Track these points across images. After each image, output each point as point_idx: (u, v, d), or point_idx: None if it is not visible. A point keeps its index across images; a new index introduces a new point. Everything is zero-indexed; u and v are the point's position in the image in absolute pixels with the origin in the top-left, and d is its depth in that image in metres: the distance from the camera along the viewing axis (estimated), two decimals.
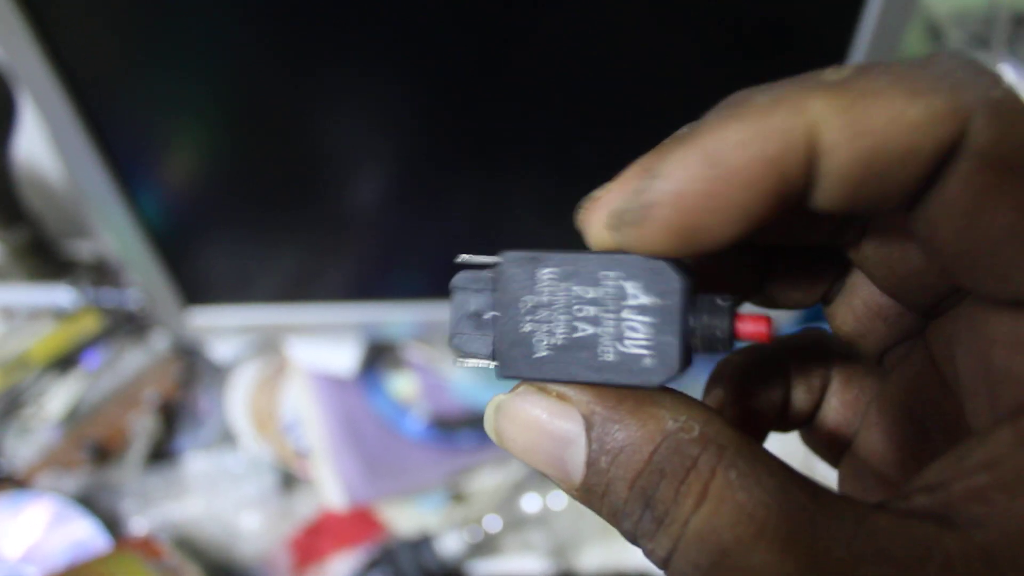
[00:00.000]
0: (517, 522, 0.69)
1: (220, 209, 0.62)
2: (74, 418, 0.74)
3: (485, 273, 0.20)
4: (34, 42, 0.49)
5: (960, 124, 0.14)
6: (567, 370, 0.19)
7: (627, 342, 0.18)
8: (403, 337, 0.76)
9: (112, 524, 0.69)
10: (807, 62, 0.53)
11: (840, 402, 0.23)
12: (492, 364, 0.20)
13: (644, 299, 0.18)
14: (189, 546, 0.69)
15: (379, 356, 0.77)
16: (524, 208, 0.62)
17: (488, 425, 0.19)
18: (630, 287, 0.18)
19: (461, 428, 0.72)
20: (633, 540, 0.17)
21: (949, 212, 0.15)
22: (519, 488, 0.71)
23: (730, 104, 0.17)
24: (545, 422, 0.18)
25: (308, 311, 0.69)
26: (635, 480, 0.17)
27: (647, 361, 0.18)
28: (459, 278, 0.21)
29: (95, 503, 0.70)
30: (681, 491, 0.16)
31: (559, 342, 0.19)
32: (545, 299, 0.19)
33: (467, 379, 0.73)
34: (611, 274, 0.18)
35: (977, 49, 0.66)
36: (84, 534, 0.67)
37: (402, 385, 0.76)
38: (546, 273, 0.19)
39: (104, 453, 0.73)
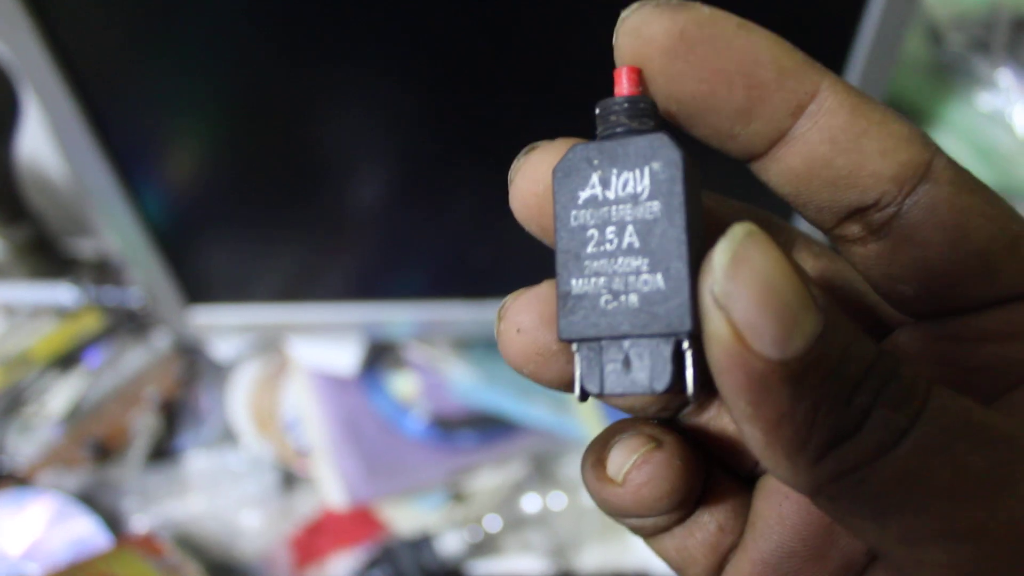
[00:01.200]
0: (517, 522, 0.69)
1: (222, 208, 0.62)
2: (76, 416, 0.75)
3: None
4: (38, 40, 0.49)
5: (928, 154, 0.18)
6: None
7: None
8: (404, 337, 0.76)
9: (113, 522, 0.69)
10: None
11: None
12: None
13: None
14: (190, 544, 0.69)
15: (380, 356, 0.77)
16: None
17: (729, 246, 0.15)
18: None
19: (461, 428, 0.73)
20: (865, 414, 0.16)
21: (940, 227, 0.18)
22: (519, 488, 0.71)
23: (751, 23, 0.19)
24: (792, 270, 0.15)
25: (309, 310, 0.69)
26: (874, 360, 0.16)
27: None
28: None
29: (96, 501, 0.71)
30: (917, 373, 0.16)
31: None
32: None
33: (467, 379, 0.73)
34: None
35: (977, 53, 0.66)
36: (85, 532, 0.68)
37: (403, 385, 0.76)
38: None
39: (105, 451, 0.74)
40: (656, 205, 0.18)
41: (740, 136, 0.19)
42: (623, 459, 0.20)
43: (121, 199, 0.59)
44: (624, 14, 0.19)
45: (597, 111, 0.20)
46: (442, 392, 0.74)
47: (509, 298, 0.20)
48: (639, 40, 0.18)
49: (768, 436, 0.16)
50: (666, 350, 0.18)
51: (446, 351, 0.76)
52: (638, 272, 0.18)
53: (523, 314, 0.20)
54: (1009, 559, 0.15)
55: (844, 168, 0.18)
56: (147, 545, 0.65)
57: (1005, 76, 0.65)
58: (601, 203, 0.18)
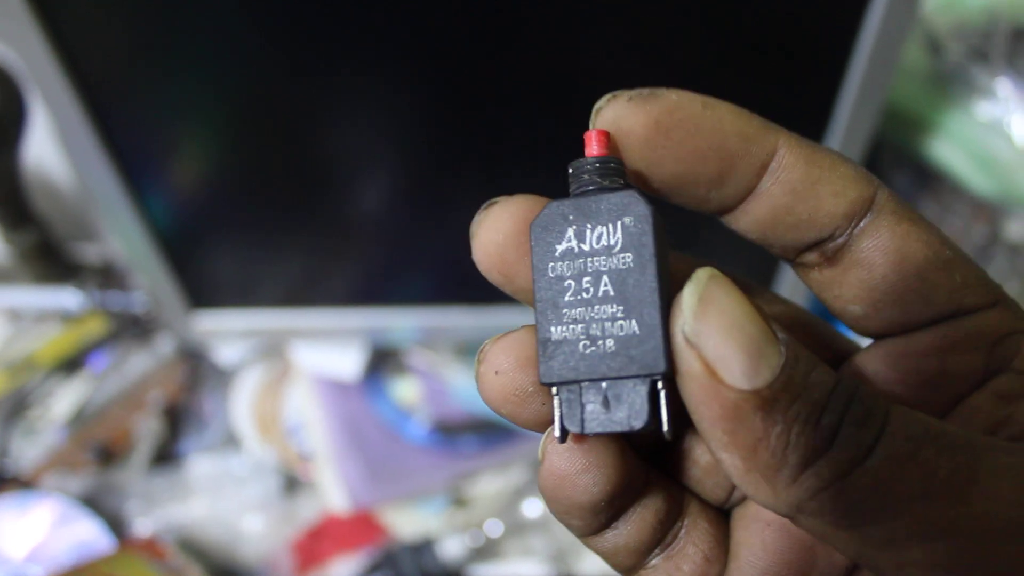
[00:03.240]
0: (518, 527, 0.69)
1: (226, 213, 0.63)
2: (80, 420, 0.75)
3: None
4: (46, 46, 0.50)
5: (872, 189, 0.20)
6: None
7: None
8: (406, 343, 0.76)
9: (116, 525, 0.70)
10: (807, 75, 0.54)
11: None
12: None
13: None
14: (192, 547, 0.69)
15: (382, 361, 0.78)
16: None
17: (696, 289, 0.17)
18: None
19: (463, 433, 0.73)
20: (833, 433, 0.17)
21: (883, 250, 0.20)
22: (520, 493, 0.71)
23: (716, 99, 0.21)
24: (752, 308, 0.17)
25: (312, 316, 0.70)
26: (836, 383, 0.17)
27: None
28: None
29: (100, 504, 0.71)
30: (875, 391, 0.18)
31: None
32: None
33: (469, 385, 0.73)
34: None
35: (976, 63, 0.66)
36: (89, 534, 0.68)
37: (405, 390, 0.76)
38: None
39: (109, 455, 0.74)
40: (629, 256, 0.19)
41: (713, 199, 0.21)
42: (545, 437, 0.21)
43: (126, 205, 0.59)
44: (598, 106, 0.21)
45: (570, 170, 0.21)
46: (444, 398, 0.75)
47: (488, 342, 0.21)
48: (617, 132, 0.20)
49: (746, 462, 0.17)
50: (643, 390, 0.19)
51: (448, 357, 0.76)
52: (614, 318, 0.19)
53: (502, 357, 0.20)
54: (981, 550, 0.16)
55: (804, 213, 0.21)
56: (150, 548, 0.65)
57: (1004, 85, 0.65)
58: (577, 255, 0.20)
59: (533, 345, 0.20)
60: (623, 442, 0.21)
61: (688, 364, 0.17)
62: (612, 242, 0.19)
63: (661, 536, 0.22)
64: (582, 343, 0.19)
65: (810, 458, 0.17)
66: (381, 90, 0.54)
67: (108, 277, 0.81)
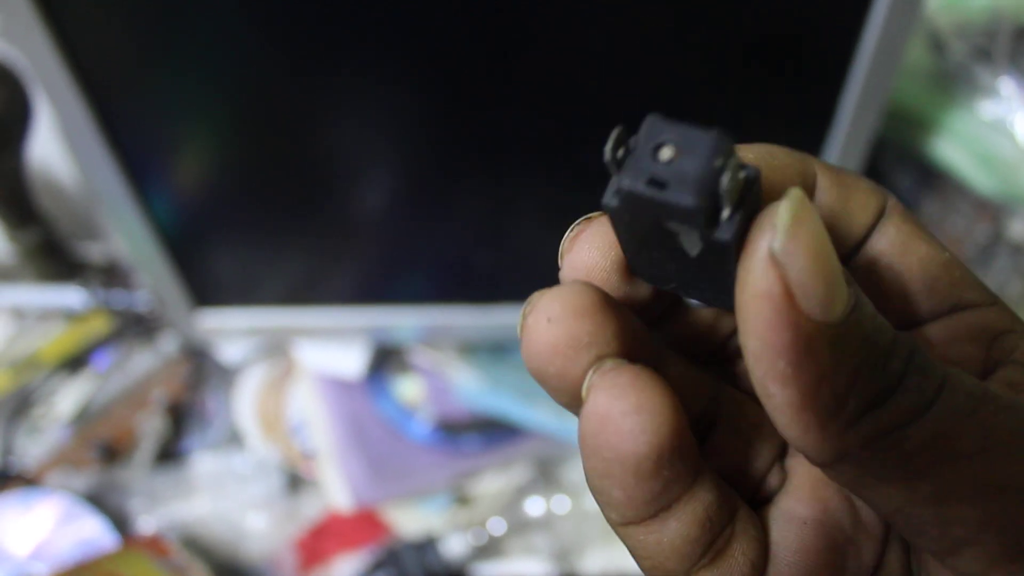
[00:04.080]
0: (521, 525, 0.69)
1: (230, 212, 0.63)
2: (83, 418, 0.75)
3: (656, 116, 0.18)
4: (51, 46, 0.50)
5: (884, 197, 0.22)
6: None
7: None
8: (410, 341, 0.76)
9: (120, 522, 0.70)
10: (810, 75, 0.54)
11: None
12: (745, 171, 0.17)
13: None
14: (196, 545, 0.69)
15: (386, 360, 0.78)
16: (531, 213, 0.63)
17: (791, 206, 0.16)
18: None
19: (466, 432, 0.73)
20: (899, 379, 0.16)
21: (889, 244, 0.22)
22: (523, 492, 0.71)
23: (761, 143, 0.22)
24: (832, 245, 0.16)
25: (316, 314, 0.70)
26: (895, 334, 0.17)
27: None
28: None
29: (104, 502, 0.71)
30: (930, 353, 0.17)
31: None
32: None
33: (472, 383, 0.74)
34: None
35: (978, 62, 0.66)
36: (92, 532, 0.68)
37: (408, 389, 0.76)
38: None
39: (113, 453, 0.74)
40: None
41: None
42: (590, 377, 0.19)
43: (130, 203, 0.60)
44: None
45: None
46: (447, 396, 0.75)
47: (536, 294, 0.19)
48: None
49: (804, 399, 0.16)
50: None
51: (451, 355, 0.76)
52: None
53: (557, 304, 0.18)
54: None
55: (841, 230, 0.21)
56: (154, 546, 0.65)
57: (1007, 84, 0.66)
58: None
59: (589, 296, 0.19)
60: (674, 394, 0.18)
61: (768, 283, 0.16)
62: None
63: (711, 538, 0.19)
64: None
65: (873, 403, 0.16)
66: (384, 89, 0.55)
67: (112, 276, 0.81)
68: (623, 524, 0.19)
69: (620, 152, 0.18)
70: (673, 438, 0.18)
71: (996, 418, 0.16)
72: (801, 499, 0.21)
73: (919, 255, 0.21)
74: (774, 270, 0.16)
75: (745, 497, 0.21)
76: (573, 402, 0.19)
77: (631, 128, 0.18)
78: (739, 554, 0.20)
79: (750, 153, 0.21)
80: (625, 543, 0.20)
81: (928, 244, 0.21)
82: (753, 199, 0.17)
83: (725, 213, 0.17)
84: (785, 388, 0.16)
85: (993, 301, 0.21)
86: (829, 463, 0.17)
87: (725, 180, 0.16)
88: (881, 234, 0.21)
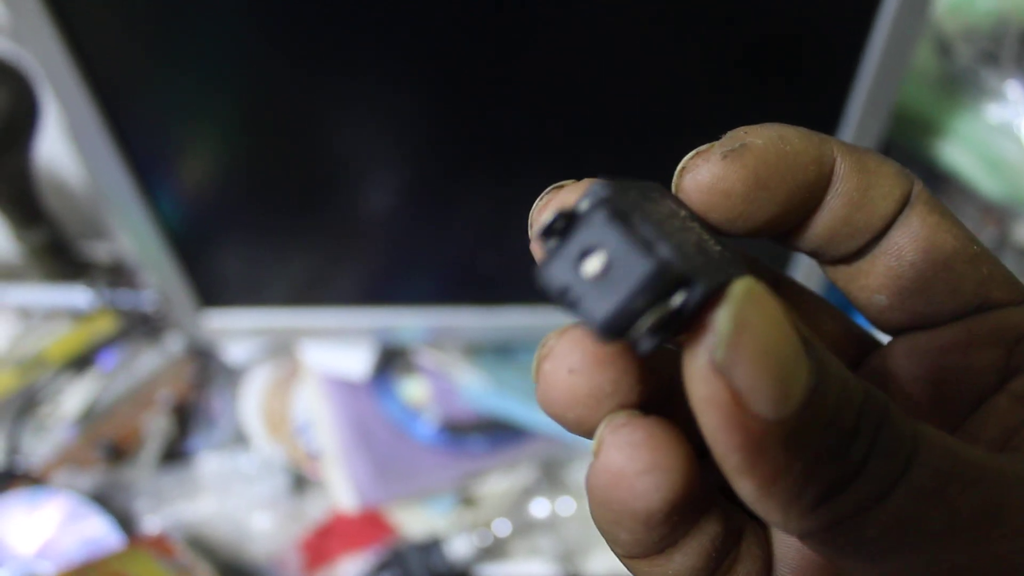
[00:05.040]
0: (526, 527, 0.70)
1: (236, 213, 0.63)
2: (89, 417, 0.75)
3: (602, 204, 0.16)
4: (59, 46, 0.50)
5: (910, 182, 0.20)
6: (725, 271, 0.17)
7: (710, 240, 0.19)
8: (415, 342, 0.76)
9: (126, 522, 0.70)
10: (817, 78, 0.54)
11: None
12: (682, 294, 0.16)
13: (684, 212, 0.19)
14: (201, 545, 0.70)
15: (391, 361, 0.78)
16: None
17: (731, 311, 0.15)
18: (671, 203, 0.19)
19: (471, 433, 0.73)
20: (861, 466, 0.15)
21: (913, 238, 0.20)
22: (528, 493, 0.71)
23: (779, 123, 0.20)
24: (788, 324, 0.15)
25: (322, 315, 0.70)
26: (863, 402, 0.16)
27: (727, 253, 0.19)
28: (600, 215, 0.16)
29: (109, 501, 0.71)
30: (903, 412, 0.16)
31: (695, 246, 0.17)
32: (656, 214, 0.17)
33: (477, 384, 0.74)
34: (656, 194, 0.19)
35: (985, 65, 0.66)
36: (98, 531, 0.68)
37: (413, 390, 0.77)
38: (634, 194, 0.17)
39: (119, 452, 0.74)
40: None
41: (781, 228, 0.21)
42: (601, 432, 0.19)
43: (137, 203, 0.60)
44: (684, 165, 0.19)
45: None
46: (452, 397, 0.75)
47: (553, 337, 0.18)
48: (716, 194, 0.19)
49: (761, 490, 0.16)
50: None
51: (456, 357, 0.76)
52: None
53: (577, 353, 0.18)
54: None
55: (861, 221, 0.20)
56: (159, 545, 0.65)
57: (1013, 88, 0.66)
58: None
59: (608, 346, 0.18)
60: (689, 445, 0.18)
61: (712, 391, 0.15)
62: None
63: (716, 566, 0.19)
64: None
65: (831, 492, 0.15)
66: (390, 91, 0.55)
67: (118, 275, 0.81)
68: (628, 559, 0.19)
69: (558, 224, 0.16)
70: (686, 490, 0.17)
71: (963, 496, 0.15)
72: None
73: (944, 250, 0.20)
74: (717, 379, 0.15)
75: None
76: (586, 437, 0.19)
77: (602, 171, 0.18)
78: (742, 575, 0.20)
79: (759, 137, 0.19)
80: (630, 571, 0.20)
81: (955, 237, 0.20)
82: (688, 315, 0.16)
83: (639, 336, 0.16)
84: (742, 478, 0.15)
85: (1022, 299, 0.20)
86: (796, 537, 0.17)
87: (642, 322, 0.15)
88: (904, 225, 0.20)
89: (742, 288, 0.15)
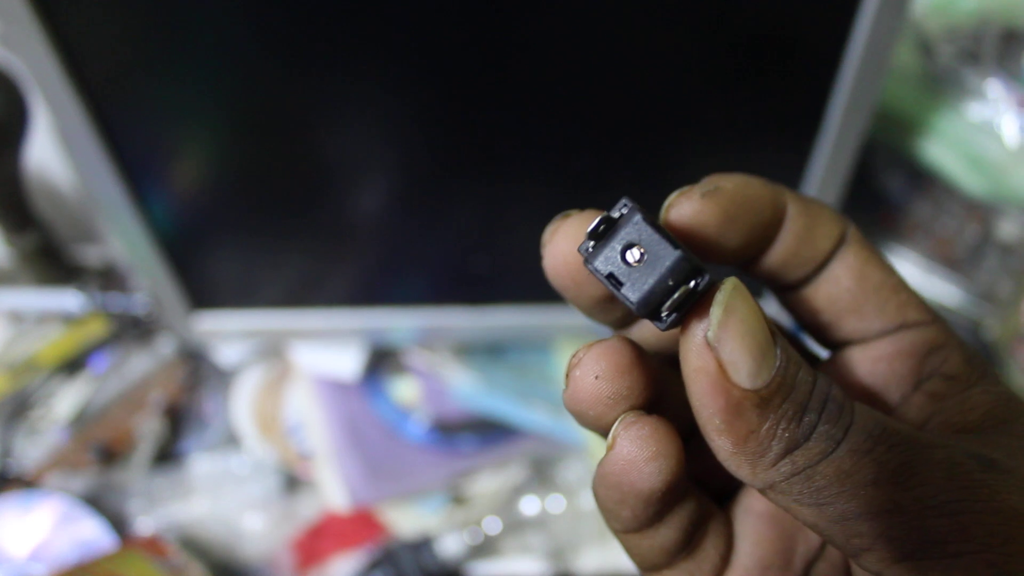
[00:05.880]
0: (516, 524, 0.70)
1: (227, 215, 0.63)
2: (81, 420, 0.75)
3: (635, 209, 0.21)
4: (49, 50, 0.50)
5: (845, 224, 0.25)
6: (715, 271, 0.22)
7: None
8: (406, 343, 0.77)
9: (118, 524, 0.70)
10: (799, 77, 0.55)
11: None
12: (696, 280, 0.21)
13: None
14: (194, 546, 0.70)
15: (382, 361, 0.78)
16: (526, 215, 0.63)
17: (723, 299, 0.20)
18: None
19: (462, 432, 0.74)
20: (812, 429, 0.20)
21: (847, 268, 0.25)
22: (518, 491, 0.72)
23: (738, 173, 0.25)
24: (762, 315, 0.20)
25: (312, 316, 0.70)
26: (815, 382, 0.20)
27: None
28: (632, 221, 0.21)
29: (102, 503, 0.72)
30: (843, 390, 0.21)
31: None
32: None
33: (468, 384, 0.74)
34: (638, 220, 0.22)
35: (966, 64, 0.67)
36: (91, 533, 0.68)
37: (404, 390, 0.77)
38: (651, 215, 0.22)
39: (111, 454, 0.75)
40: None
41: (745, 257, 0.25)
42: (616, 425, 0.23)
43: (127, 207, 0.60)
44: (674, 202, 0.23)
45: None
46: (443, 397, 0.75)
47: (581, 350, 0.23)
48: (695, 225, 0.23)
49: (735, 446, 0.20)
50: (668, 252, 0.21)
51: (447, 357, 0.77)
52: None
53: (602, 362, 0.22)
54: (916, 523, 0.20)
55: (807, 254, 0.25)
56: (152, 547, 0.65)
57: (994, 87, 0.66)
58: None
59: (629, 354, 0.22)
60: (679, 437, 0.22)
61: (704, 362, 0.20)
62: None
63: (689, 538, 0.24)
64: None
65: (789, 449, 0.20)
66: (381, 93, 0.55)
67: (109, 279, 0.82)
68: (623, 532, 0.24)
69: (602, 227, 0.21)
70: (679, 474, 0.22)
71: (888, 455, 0.20)
72: (757, 496, 0.26)
73: (872, 279, 0.25)
74: (708, 352, 0.20)
75: (716, 494, 0.26)
76: (598, 432, 0.24)
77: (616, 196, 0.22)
78: (710, 547, 0.25)
79: (729, 183, 0.24)
80: (622, 544, 0.25)
81: (880, 269, 0.25)
82: (697, 298, 0.21)
83: (664, 312, 0.21)
84: (720, 437, 0.20)
85: (933, 320, 0.25)
86: (759, 489, 0.21)
87: (672, 298, 0.20)
88: (841, 259, 0.25)
89: (732, 282, 0.21)
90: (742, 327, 0.20)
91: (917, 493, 0.20)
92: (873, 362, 0.26)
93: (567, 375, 0.23)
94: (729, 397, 0.20)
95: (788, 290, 0.26)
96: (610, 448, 0.22)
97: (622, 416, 0.22)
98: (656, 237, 0.20)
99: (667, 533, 0.24)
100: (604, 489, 0.23)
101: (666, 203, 0.24)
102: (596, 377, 0.22)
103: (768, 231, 0.25)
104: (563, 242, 0.24)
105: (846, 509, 0.20)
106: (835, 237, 0.25)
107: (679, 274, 0.20)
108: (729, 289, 0.20)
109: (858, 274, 0.25)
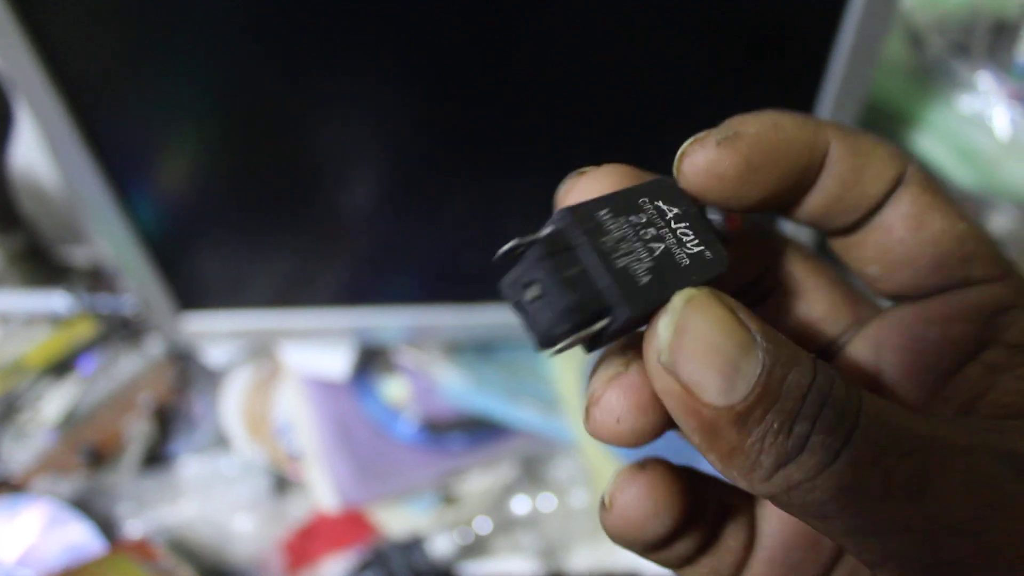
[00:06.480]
0: (507, 524, 0.70)
1: (214, 215, 0.63)
2: (70, 422, 0.75)
3: (547, 239, 0.20)
4: (30, 49, 0.50)
5: (904, 164, 0.22)
6: (673, 285, 0.19)
7: (688, 245, 0.20)
8: (395, 342, 0.76)
9: (107, 527, 0.70)
10: (789, 70, 0.55)
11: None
12: (605, 320, 0.19)
13: (675, 210, 0.21)
14: (183, 548, 0.69)
15: (371, 360, 0.78)
16: (516, 212, 0.63)
17: (671, 320, 0.18)
18: (662, 204, 0.21)
19: (452, 431, 0.73)
20: (804, 440, 0.18)
21: (903, 216, 0.22)
22: (509, 490, 0.72)
23: (771, 110, 0.22)
24: (732, 323, 0.18)
25: (301, 316, 0.70)
26: (810, 384, 0.18)
27: (707, 254, 0.20)
28: (535, 253, 0.20)
29: (90, 506, 0.71)
30: (850, 390, 0.18)
31: (650, 264, 0.19)
32: (617, 235, 0.20)
33: (457, 383, 0.74)
34: (644, 199, 0.21)
35: (957, 56, 0.67)
36: (80, 537, 0.68)
37: (394, 389, 0.76)
38: (604, 214, 0.20)
39: (99, 457, 0.74)
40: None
41: (774, 206, 0.23)
42: (611, 485, 0.23)
43: (113, 207, 0.59)
44: (687, 151, 0.21)
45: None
46: (433, 396, 0.75)
47: (599, 385, 0.21)
48: (711, 177, 0.21)
49: (722, 461, 0.18)
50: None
51: (436, 355, 0.76)
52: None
53: (623, 404, 0.21)
54: (930, 545, 0.17)
55: (853, 199, 0.22)
56: (141, 550, 0.65)
57: (985, 79, 0.66)
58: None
59: (647, 393, 0.20)
60: (682, 479, 0.22)
61: (665, 385, 0.18)
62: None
63: (709, 541, 0.24)
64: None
65: (781, 463, 0.18)
66: (369, 90, 0.55)
67: (97, 280, 0.81)
68: (642, 555, 0.23)
69: (520, 248, 0.20)
70: (682, 516, 0.22)
71: (897, 465, 0.17)
72: None
73: (932, 228, 0.22)
74: (667, 376, 0.18)
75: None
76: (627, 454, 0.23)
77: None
78: (731, 540, 0.24)
79: (752, 126, 0.21)
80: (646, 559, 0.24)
81: (943, 217, 0.22)
82: (619, 334, 0.20)
83: (573, 345, 0.19)
84: (707, 454, 0.19)
85: (1003, 275, 0.22)
86: (762, 498, 0.20)
87: (566, 343, 0.19)
88: (895, 205, 0.22)
89: (681, 297, 0.18)
90: (700, 345, 0.18)
91: (931, 510, 0.17)
92: (926, 324, 0.23)
93: (586, 411, 0.21)
94: (701, 418, 0.18)
95: (835, 234, 0.24)
96: (608, 508, 0.22)
97: (615, 474, 0.22)
98: (550, 278, 0.19)
99: (681, 548, 0.23)
100: (613, 539, 0.23)
101: (679, 152, 0.22)
102: (617, 420, 0.21)
103: (804, 178, 0.22)
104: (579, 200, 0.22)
105: (852, 525, 0.18)
106: (889, 179, 0.22)
107: (572, 321, 0.19)
108: (679, 308, 0.18)
109: (914, 222, 0.22)
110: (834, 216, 0.23)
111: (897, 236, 0.22)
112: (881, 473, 0.17)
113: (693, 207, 0.21)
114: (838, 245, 0.24)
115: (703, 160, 0.21)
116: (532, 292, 0.19)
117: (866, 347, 0.24)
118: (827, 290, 0.25)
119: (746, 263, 0.25)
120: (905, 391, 0.23)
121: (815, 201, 0.22)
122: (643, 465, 0.22)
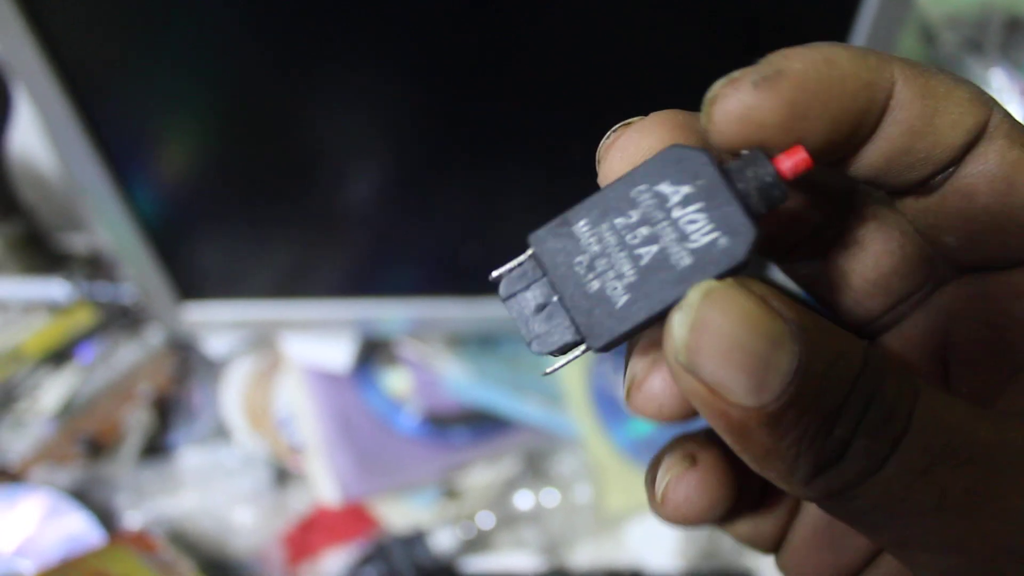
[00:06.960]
0: (510, 519, 0.69)
1: (215, 204, 0.62)
2: (68, 412, 0.74)
3: (525, 267, 0.19)
4: (30, 35, 0.49)
5: (987, 111, 0.18)
6: (658, 298, 0.17)
7: (693, 237, 0.17)
8: (397, 333, 0.76)
9: (106, 518, 0.69)
10: None
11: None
12: (582, 347, 0.19)
13: (684, 190, 0.18)
14: (183, 540, 0.69)
15: (373, 352, 0.77)
16: (517, 204, 0.63)
17: (686, 317, 0.16)
18: (665, 188, 0.18)
19: (454, 424, 0.73)
20: (845, 446, 0.16)
21: (989, 178, 0.18)
22: (512, 485, 0.71)
23: (826, 42, 0.18)
24: (760, 315, 0.16)
25: (303, 307, 0.69)
26: (855, 380, 0.16)
27: (722, 241, 0.17)
28: (504, 287, 0.20)
29: (89, 497, 0.71)
30: (903, 386, 0.16)
31: (633, 279, 0.18)
32: (596, 249, 0.18)
33: (460, 376, 0.73)
34: (641, 188, 0.18)
35: (970, 53, 0.66)
36: (78, 528, 0.68)
37: (396, 381, 0.76)
38: (582, 226, 0.18)
39: (98, 447, 0.74)
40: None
41: (826, 158, 0.19)
42: (663, 479, 0.22)
43: (113, 195, 0.59)
44: (713, 93, 0.18)
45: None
46: (435, 389, 0.75)
47: (640, 369, 0.20)
48: (748, 125, 0.18)
49: (758, 464, 0.17)
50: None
51: (439, 348, 0.76)
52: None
53: (665, 391, 0.19)
54: (988, 567, 0.16)
55: (922, 151, 0.18)
56: (140, 542, 0.65)
57: (998, 76, 0.66)
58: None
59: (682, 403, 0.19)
60: (731, 469, 0.22)
61: (687, 385, 0.16)
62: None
63: (760, 504, 0.24)
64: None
65: (820, 469, 0.16)
66: (370, 80, 0.54)
67: (96, 268, 0.81)
68: None
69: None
70: (731, 504, 0.22)
71: (953, 475, 0.16)
72: None
73: (1022, 189, 0.18)
74: (688, 375, 0.16)
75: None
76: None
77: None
78: (775, 501, 0.24)
79: (798, 61, 0.18)
80: None
81: None
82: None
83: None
84: (740, 454, 0.17)
85: None
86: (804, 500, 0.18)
87: (554, 366, 0.20)
88: (978, 159, 0.18)
89: (697, 291, 0.16)
90: (720, 342, 0.16)
91: (990, 528, 0.15)
92: (1011, 298, 0.19)
93: (627, 393, 0.20)
94: (729, 419, 0.16)
95: (903, 195, 0.20)
96: (661, 503, 0.22)
97: (665, 463, 0.22)
98: (523, 316, 0.19)
99: (727, 515, 0.23)
100: (667, 523, 0.23)
101: (708, 95, 0.18)
102: (659, 407, 0.20)
103: (862, 124, 0.18)
104: (618, 162, 0.19)
105: (900, 537, 0.16)
106: (968, 129, 0.18)
107: (549, 349, 0.19)
108: (694, 305, 0.16)
109: (1003, 185, 0.18)
110: (899, 172, 0.19)
111: (982, 203, 0.18)
112: (934, 484, 0.16)
113: (716, 174, 0.18)
114: (906, 207, 0.20)
115: (737, 105, 0.18)
116: (538, 324, 0.19)
117: (937, 315, 0.21)
118: (899, 242, 0.21)
119: (804, 212, 0.21)
120: (976, 373, 0.20)
121: (875, 153, 0.19)
122: (693, 458, 0.22)
